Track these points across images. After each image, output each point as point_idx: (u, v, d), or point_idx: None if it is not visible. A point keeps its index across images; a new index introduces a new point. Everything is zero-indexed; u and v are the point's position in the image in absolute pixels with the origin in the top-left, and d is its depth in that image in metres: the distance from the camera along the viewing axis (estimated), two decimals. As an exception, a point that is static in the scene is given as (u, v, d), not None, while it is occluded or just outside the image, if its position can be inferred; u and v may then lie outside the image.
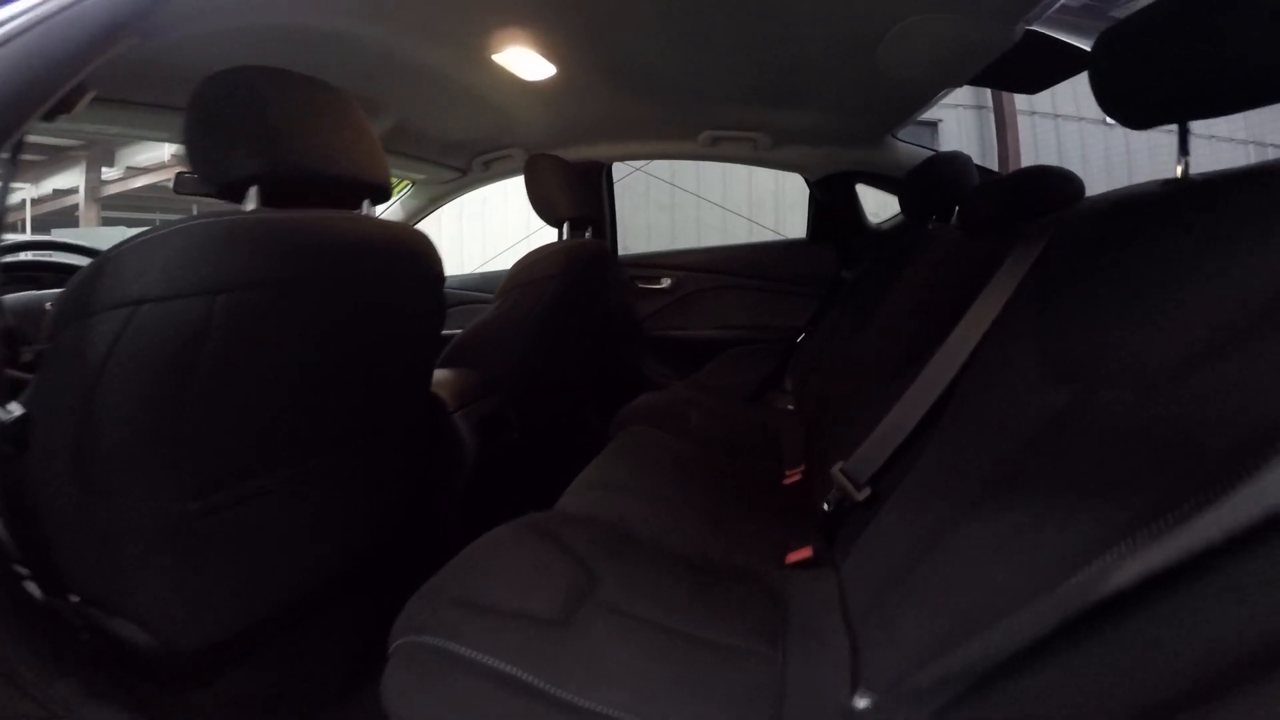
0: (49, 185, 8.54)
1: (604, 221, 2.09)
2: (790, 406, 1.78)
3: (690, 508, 1.01)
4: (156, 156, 7.49)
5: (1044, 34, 1.16)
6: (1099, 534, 0.40)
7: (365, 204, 0.87)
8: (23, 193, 8.25)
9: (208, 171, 0.71)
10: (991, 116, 5.79)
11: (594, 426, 1.65)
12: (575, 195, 1.55)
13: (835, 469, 0.83)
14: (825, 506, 0.85)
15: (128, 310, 0.60)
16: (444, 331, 1.04)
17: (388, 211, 2.24)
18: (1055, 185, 0.89)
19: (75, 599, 0.69)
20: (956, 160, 1.52)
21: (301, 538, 0.83)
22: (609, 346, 1.87)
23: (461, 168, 2.06)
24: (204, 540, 0.70)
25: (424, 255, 0.91)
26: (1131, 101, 0.63)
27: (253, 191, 0.71)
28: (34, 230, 7.43)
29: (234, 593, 0.75)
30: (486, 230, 5.74)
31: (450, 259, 1.08)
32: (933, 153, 1.77)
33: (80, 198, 8.26)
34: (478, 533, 0.83)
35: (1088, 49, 0.68)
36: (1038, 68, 1.33)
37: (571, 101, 1.64)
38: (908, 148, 1.86)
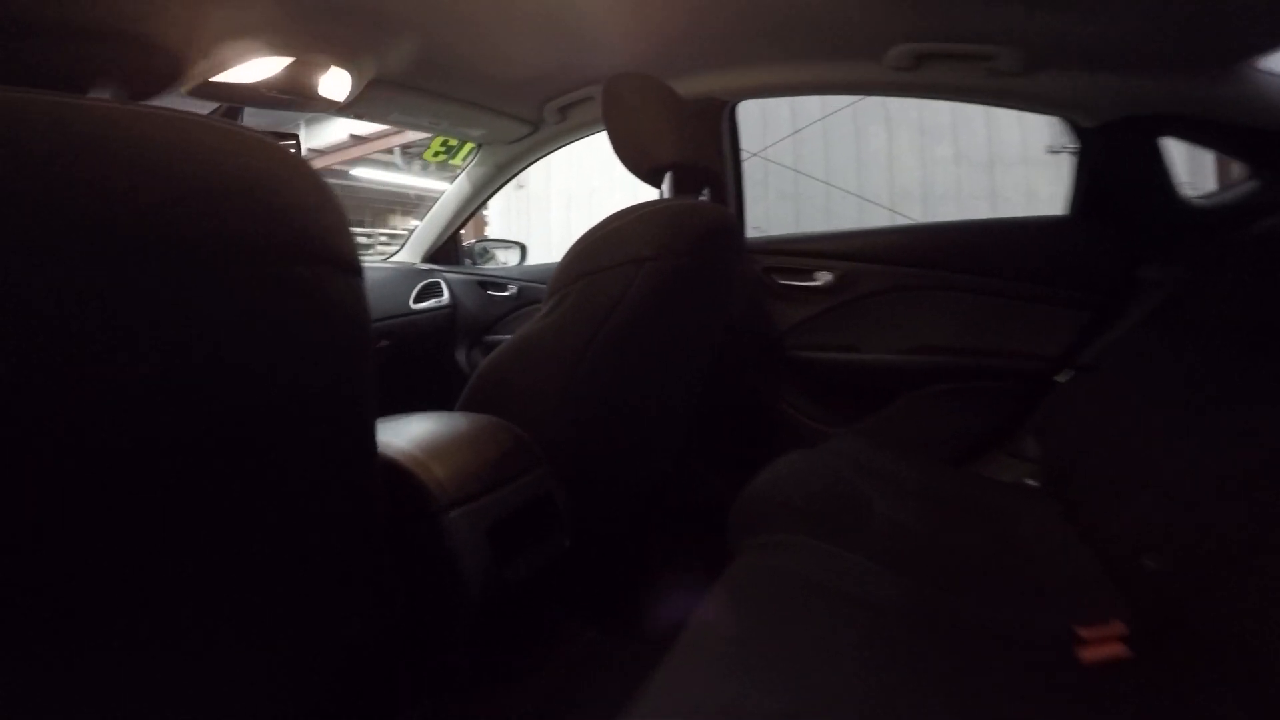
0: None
1: (725, 183, 1.44)
2: (1032, 481, 1.07)
3: None
4: (335, 137, 6.89)
5: None
6: None
7: None
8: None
9: None
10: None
11: (711, 505, 1.05)
12: (681, 130, 0.96)
13: None
14: None
15: None
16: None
17: (453, 188, 1.79)
18: None
19: None
20: None
21: None
22: (731, 375, 1.24)
23: (532, 119, 1.53)
24: None
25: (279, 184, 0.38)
26: None
27: None
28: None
29: None
30: (593, 220, 5.39)
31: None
32: None
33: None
34: None
35: None
36: None
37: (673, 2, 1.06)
38: (1277, 82, 1.06)
